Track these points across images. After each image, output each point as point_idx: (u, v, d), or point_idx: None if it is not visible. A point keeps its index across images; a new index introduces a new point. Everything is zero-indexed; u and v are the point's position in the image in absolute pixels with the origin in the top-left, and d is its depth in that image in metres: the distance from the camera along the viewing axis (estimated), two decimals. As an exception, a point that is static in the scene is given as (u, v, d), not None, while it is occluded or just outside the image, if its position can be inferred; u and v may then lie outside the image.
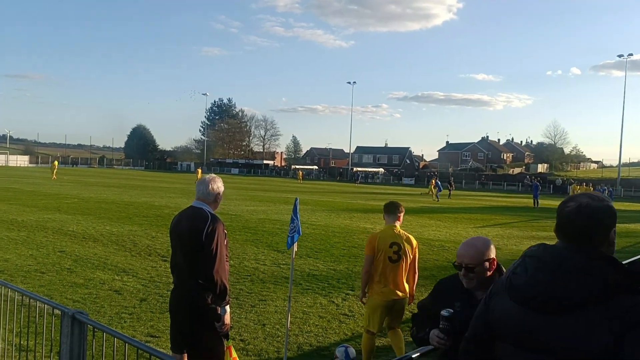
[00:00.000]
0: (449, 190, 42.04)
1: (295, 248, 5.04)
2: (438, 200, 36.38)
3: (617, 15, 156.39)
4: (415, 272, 5.51)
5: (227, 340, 3.87)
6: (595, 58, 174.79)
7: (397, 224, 5.41)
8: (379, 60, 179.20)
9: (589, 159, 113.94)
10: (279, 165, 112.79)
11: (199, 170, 53.00)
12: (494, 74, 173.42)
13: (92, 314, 6.72)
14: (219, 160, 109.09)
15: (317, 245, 13.62)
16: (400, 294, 5.31)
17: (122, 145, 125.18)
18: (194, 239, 3.89)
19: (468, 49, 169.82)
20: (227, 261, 4.07)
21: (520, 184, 74.07)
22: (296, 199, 4.96)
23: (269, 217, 20.14)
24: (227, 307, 4.01)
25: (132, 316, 6.85)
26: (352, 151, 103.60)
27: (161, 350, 5.00)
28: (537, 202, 35.98)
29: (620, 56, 69.84)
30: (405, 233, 5.44)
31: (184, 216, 4.13)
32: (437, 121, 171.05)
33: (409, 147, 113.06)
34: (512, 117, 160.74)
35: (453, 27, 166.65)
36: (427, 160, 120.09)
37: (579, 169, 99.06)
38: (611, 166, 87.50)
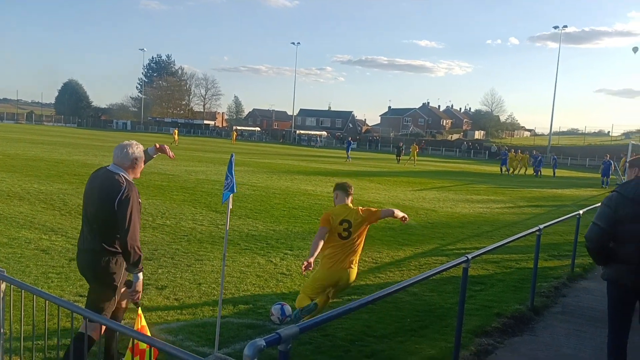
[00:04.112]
0: (398, 157, 42.23)
1: (230, 205, 4.93)
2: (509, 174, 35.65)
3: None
4: (388, 212, 5.79)
5: (138, 307, 3.79)
6: (532, 29, 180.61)
7: (349, 201, 5.57)
8: (324, 22, 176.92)
9: (522, 127, 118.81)
10: (220, 126, 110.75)
11: (176, 131, 51.03)
12: (436, 40, 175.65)
13: (17, 274, 6.41)
14: (157, 119, 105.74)
15: (257, 206, 13.54)
16: (348, 270, 5.36)
17: (53, 101, 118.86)
18: (106, 206, 3.80)
19: (413, 14, 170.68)
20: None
21: (457, 149, 76.47)
22: (232, 155, 4.82)
23: (208, 177, 19.80)
24: (140, 275, 3.96)
25: (60, 276, 6.59)
26: (295, 114, 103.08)
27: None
28: (502, 169, 36.77)
29: (555, 27, 72.46)
30: (354, 207, 5.54)
31: (96, 180, 3.98)
32: (380, 86, 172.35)
33: (352, 111, 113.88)
34: (452, 84, 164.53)
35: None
36: (370, 124, 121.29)
37: (513, 136, 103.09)
38: (543, 134, 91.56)
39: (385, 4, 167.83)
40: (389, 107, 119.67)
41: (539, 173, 36.26)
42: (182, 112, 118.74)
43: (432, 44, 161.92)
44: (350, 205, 5.56)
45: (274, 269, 7.72)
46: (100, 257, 3.83)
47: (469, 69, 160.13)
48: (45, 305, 2.84)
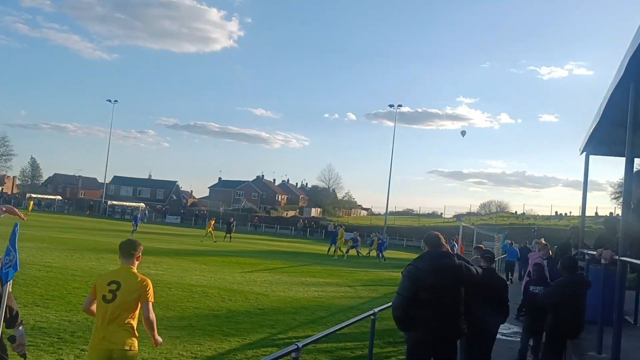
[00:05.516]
0: (229, 233, 41.50)
1: (9, 288, 4.39)
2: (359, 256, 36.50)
3: (390, 67, 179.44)
4: (148, 318, 4.90)
5: (24, 358, 4.49)
6: (369, 106, 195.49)
7: (135, 264, 5.10)
8: (147, 81, 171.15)
9: (359, 205, 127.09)
10: (10, 193, 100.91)
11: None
12: (273, 110, 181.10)
13: None
14: None
15: (49, 291, 12.29)
16: (116, 342, 4.70)
17: None
18: None
19: (247, 81, 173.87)
20: None
21: (293, 227, 78.81)
22: (15, 225, 4.36)
23: (-14, 255, 17.61)
24: (22, 328, 4.61)
25: None
26: (107, 181, 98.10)
27: None
28: (332, 249, 37.79)
29: (391, 106, 79.42)
30: (136, 273, 5.02)
31: None
32: (211, 155, 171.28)
33: (176, 182, 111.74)
34: (289, 157, 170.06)
35: (233, 56, 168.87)
36: (197, 197, 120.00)
37: (350, 214, 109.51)
38: (379, 214, 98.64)
39: (219, 68, 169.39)
40: (220, 178, 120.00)
41: (381, 256, 37.94)
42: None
43: (268, 114, 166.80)
44: (133, 268, 5.02)
45: (66, 369, 6.94)
46: None
47: (306, 142, 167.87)
48: None
